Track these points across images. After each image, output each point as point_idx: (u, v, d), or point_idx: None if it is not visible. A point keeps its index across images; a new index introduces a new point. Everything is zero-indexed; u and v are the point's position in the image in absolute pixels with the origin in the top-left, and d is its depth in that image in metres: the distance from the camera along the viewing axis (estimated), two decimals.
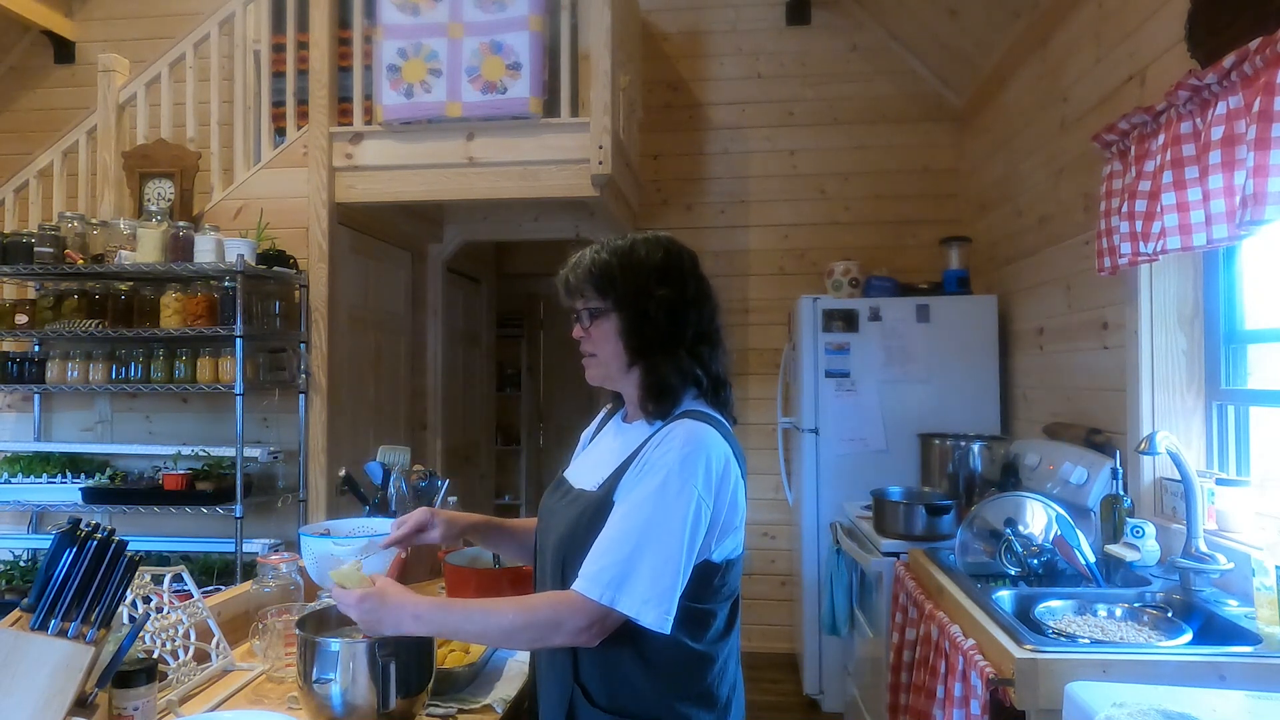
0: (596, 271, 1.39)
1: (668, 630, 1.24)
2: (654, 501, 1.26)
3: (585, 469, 1.48)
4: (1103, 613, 1.92)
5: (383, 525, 1.72)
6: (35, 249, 3.52)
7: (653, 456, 1.30)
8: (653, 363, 1.38)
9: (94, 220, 3.73)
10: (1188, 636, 1.75)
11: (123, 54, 4.13)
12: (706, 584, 1.32)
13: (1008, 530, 2.28)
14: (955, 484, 3.27)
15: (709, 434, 1.32)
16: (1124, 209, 2.24)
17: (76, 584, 1.19)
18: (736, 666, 1.42)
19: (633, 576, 1.22)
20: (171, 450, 3.79)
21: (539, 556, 1.49)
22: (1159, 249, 2.09)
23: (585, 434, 1.64)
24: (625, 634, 1.27)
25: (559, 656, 1.35)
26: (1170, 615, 1.87)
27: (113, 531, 1.23)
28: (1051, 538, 2.23)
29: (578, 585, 1.25)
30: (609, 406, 1.59)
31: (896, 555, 2.76)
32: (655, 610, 1.22)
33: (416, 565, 2.24)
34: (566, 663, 1.34)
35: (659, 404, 1.37)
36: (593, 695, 1.32)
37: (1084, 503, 2.48)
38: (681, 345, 1.38)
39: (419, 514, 1.55)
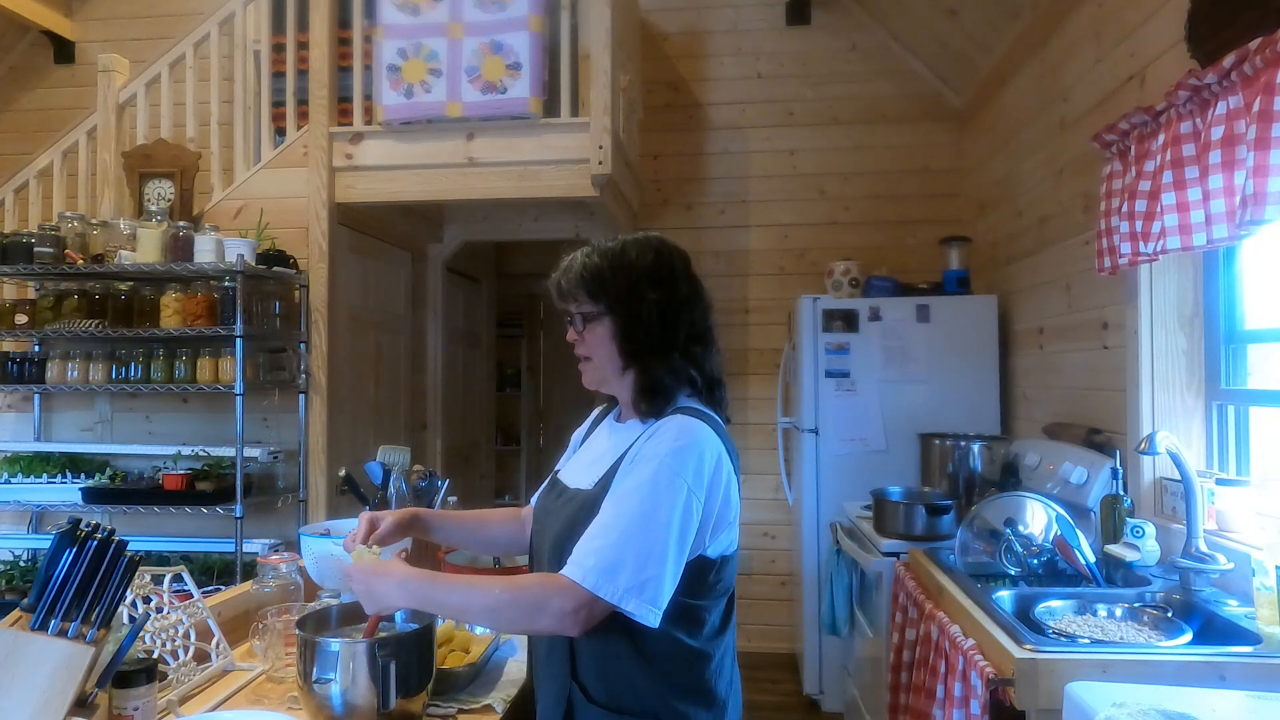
0: (588, 275, 1.39)
1: (655, 623, 1.23)
2: (643, 492, 1.25)
3: (580, 469, 1.48)
4: (1103, 613, 1.92)
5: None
6: (35, 249, 3.51)
7: (644, 448, 1.31)
8: (646, 365, 1.38)
9: (94, 220, 3.73)
10: (1188, 636, 1.75)
11: (123, 54, 4.13)
12: (702, 580, 1.32)
13: (1008, 530, 2.28)
14: (955, 484, 3.26)
15: (701, 429, 1.32)
16: (1124, 209, 2.24)
17: (76, 584, 1.19)
18: (733, 663, 1.43)
19: (618, 565, 1.22)
20: (171, 450, 3.78)
21: (535, 558, 1.49)
22: (1159, 249, 2.09)
23: (576, 435, 1.64)
24: (622, 630, 1.27)
25: (556, 654, 1.35)
26: (1170, 615, 1.87)
27: (113, 531, 1.23)
28: (1051, 538, 2.23)
29: (566, 570, 1.24)
30: (602, 407, 1.59)
31: (896, 555, 2.76)
32: (638, 599, 1.21)
33: (417, 566, 2.23)
34: (564, 660, 1.34)
35: (652, 404, 1.38)
36: (591, 693, 1.32)
37: (1084, 503, 2.48)
38: (675, 347, 1.38)
39: (364, 519, 1.53)
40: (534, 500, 1.65)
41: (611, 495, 1.29)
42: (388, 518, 1.55)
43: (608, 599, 1.21)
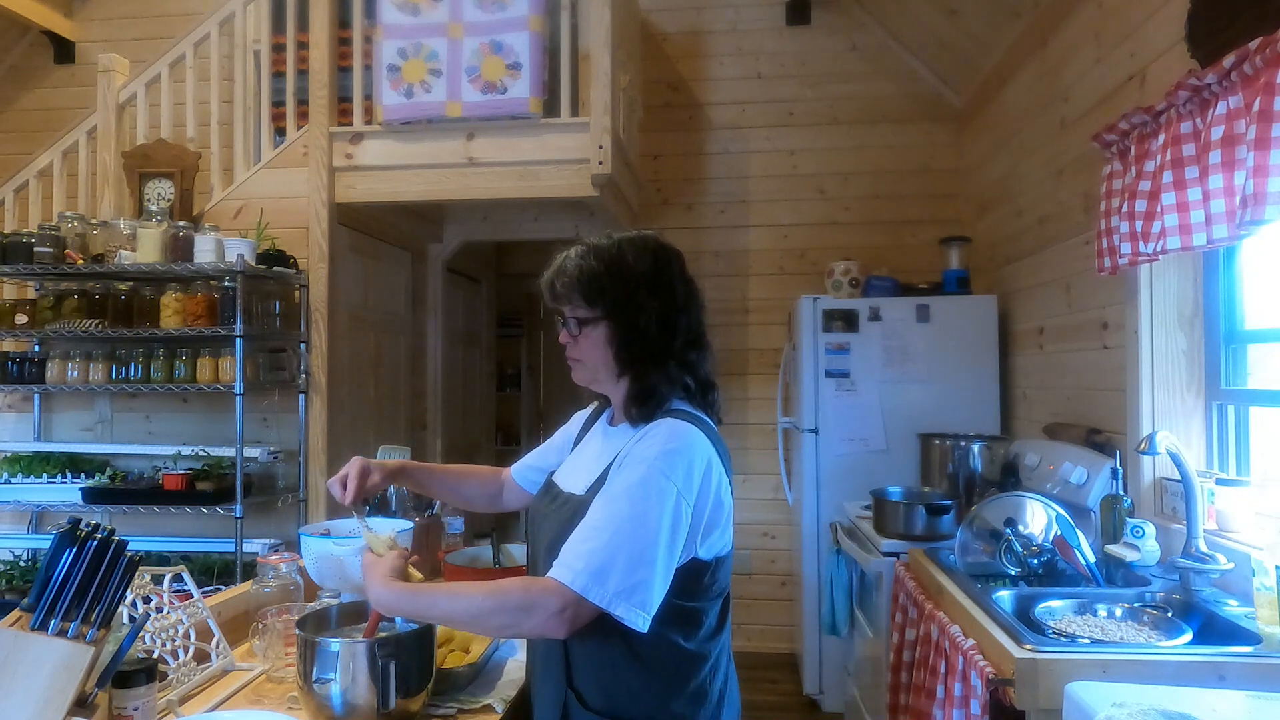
0: (584, 280, 1.35)
1: (644, 628, 1.22)
2: (633, 495, 1.24)
3: (573, 473, 1.47)
4: (1103, 613, 1.92)
5: (383, 525, 1.73)
6: (35, 249, 3.51)
7: (634, 450, 1.30)
8: (642, 372, 1.36)
9: (94, 220, 3.73)
10: (1188, 636, 1.75)
11: (123, 54, 4.13)
12: (696, 582, 1.31)
13: (1008, 530, 2.28)
14: (955, 484, 3.26)
15: (691, 432, 1.31)
16: (1124, 209, 2.24)
17: (76, 584, 1.19)
18: (728, 662, 1.42)
19: (608, 567, 1.20)
20: (171, 450, 3.79)
21: (531, 562, 1.49)
22: (1159, 249, 2.09)
23: (567, 433, 1.63)
24: (618, 635, 1.26)
25: (553, 660, 1.35)
26: (1170, 615, 1.87)
27: (113, 531, 1.23)
28: (1051, 538, 2.23)
29: (554, 571, 1.23)
30: (595, 407, 1.59)
31: (896, 555, 2.76)
32: (627, 603, 1.20)
33: (417, 566, 2.23)
34: (560, 667, 1.33)
35: (644, 409, 1.36)
36: (587, 699, 1.32)
37: (1084, 503, 2.48)
38: (671, 355, 1.36)
39: (355, 463, 1.57)
40: (518, 475, 1.71)
41: (601, 497, 1.28)
42: (375, 474, 1.58)
43: (596, 602, 1.20)
